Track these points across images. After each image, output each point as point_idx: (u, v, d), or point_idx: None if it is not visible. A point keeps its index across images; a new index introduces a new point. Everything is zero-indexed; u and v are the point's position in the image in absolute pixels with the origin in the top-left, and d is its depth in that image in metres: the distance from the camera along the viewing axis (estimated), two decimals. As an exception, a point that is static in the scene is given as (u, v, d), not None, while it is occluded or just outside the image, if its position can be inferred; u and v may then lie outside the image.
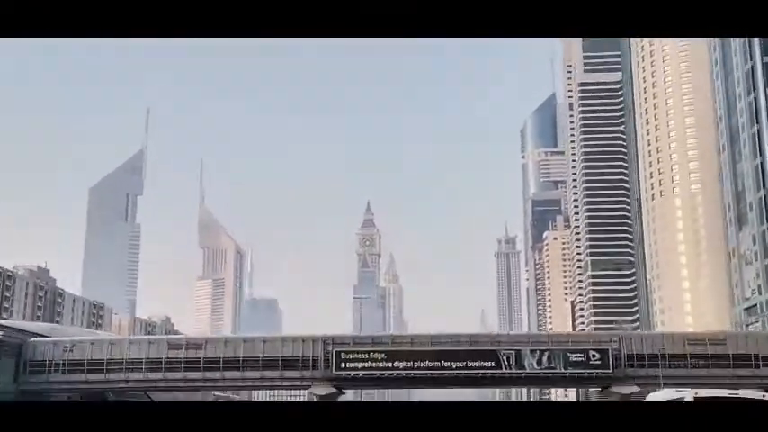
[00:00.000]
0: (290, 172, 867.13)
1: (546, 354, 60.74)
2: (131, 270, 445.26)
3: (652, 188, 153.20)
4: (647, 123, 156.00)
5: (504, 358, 60.63)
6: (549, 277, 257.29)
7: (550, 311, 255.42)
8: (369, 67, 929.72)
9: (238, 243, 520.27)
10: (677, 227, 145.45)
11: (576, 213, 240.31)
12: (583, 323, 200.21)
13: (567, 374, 60.81)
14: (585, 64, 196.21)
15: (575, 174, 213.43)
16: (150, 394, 64.99)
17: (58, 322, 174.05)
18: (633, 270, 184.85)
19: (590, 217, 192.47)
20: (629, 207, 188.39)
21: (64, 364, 62.85)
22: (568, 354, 60.68)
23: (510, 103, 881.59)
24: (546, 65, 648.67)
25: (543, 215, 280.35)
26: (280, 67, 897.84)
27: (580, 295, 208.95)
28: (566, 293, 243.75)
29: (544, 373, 60.48)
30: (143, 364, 61.99)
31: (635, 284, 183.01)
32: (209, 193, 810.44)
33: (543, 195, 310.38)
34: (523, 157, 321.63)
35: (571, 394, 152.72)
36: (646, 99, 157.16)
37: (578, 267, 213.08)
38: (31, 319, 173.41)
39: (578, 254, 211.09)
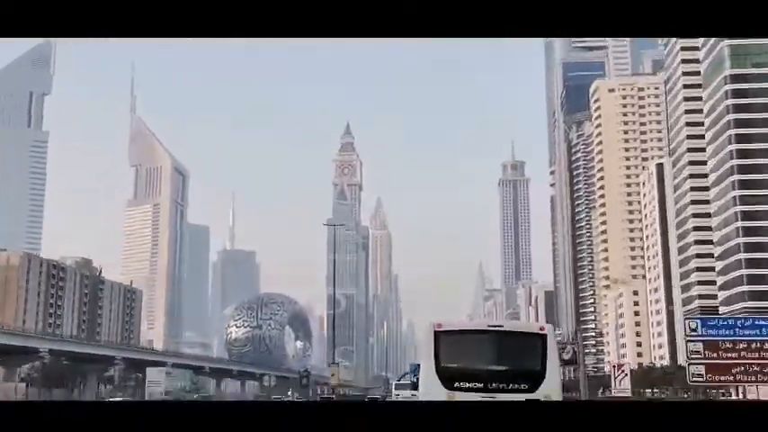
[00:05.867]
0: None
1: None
2: (35, 191, 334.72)
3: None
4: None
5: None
6: (601, 168, 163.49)
7: (605, 228, 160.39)
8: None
9: (177, 160, 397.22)
10: None
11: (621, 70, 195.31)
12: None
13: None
14: None
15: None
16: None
17: (100, 315, 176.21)
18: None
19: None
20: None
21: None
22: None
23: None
24: None
25: (581, 81, 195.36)
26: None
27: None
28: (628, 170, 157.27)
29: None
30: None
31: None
32: (142, 101, 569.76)
33: (579, 57, 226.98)
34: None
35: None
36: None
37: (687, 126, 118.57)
38: (79, 311, 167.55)
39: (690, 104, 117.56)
